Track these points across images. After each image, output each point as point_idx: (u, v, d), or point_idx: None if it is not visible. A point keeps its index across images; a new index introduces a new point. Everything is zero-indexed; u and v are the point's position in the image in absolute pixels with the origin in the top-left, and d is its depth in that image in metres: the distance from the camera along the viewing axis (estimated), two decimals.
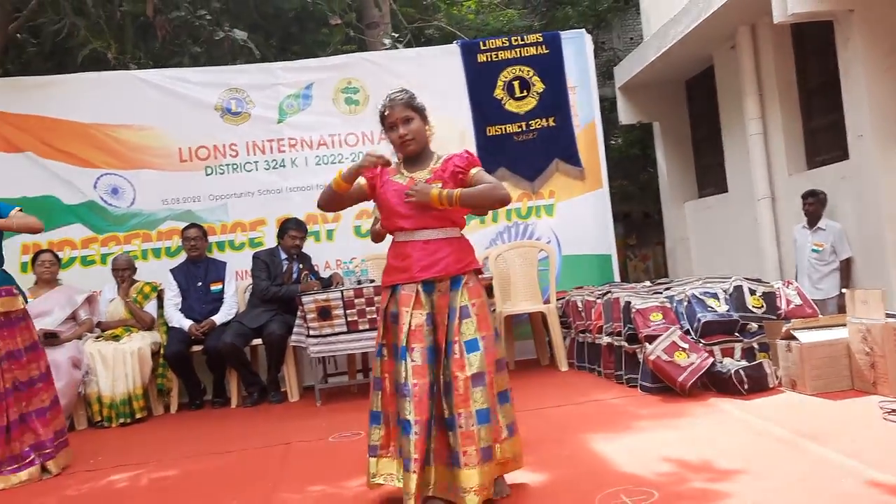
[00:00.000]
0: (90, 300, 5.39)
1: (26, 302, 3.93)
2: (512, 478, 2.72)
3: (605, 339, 4.64)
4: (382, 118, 2.69)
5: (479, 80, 5.94)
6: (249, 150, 5.84)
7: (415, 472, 2.40)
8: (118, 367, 5.01)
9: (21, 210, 3.85)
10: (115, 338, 5.19)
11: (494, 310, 4.92)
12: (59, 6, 6.08)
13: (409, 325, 2.53)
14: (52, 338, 4.97)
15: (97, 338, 5.24)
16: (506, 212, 5.88)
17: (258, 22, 7.31)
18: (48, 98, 5.65)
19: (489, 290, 4.79)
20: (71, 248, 5.67)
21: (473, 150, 5.85)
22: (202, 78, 5.86)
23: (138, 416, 4.97)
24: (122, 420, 4.91)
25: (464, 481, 2.42)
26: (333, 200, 2.75)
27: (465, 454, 2.44)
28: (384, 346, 2.63)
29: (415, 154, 2.68)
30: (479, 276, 2.71)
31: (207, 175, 5.80)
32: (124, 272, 5.44)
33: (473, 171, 2.63)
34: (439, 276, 2.56)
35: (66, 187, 5.67)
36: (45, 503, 3.20)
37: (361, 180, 2.71)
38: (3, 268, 3.80)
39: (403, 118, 2.63)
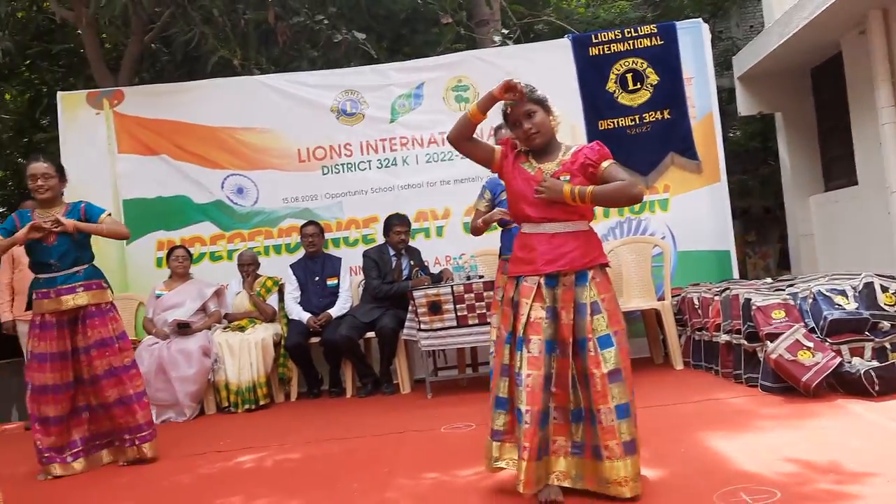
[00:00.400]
0: (218, 293, 5.73)
1: (112, 293, 4.13)
2: None
3: (724, 338, 4.48)
4: (505, 116, 2.69)
5: (591, 73, 5.86)
6: (363, 150, 6.02)
7: (524, 459, 2.44)
8: (244, 356, 5.30)
9: (110, 215, 4.05)
10: (241, 329, 5.49)
11: None
12: (189, 17, 6.48)
13: (528, 317, 2.55)
14: (184, 328, 5.33)
15: (224, 328, 5.56)
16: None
17: (370, 24, 7.52)
18: (180, 104, 6.04)
19: None
20: (201, 245, 6.04)
21: (585, 144, 5.82)
22: (319, 81, 6.10)
23: (262, 402, 5.24)
24: (247, 406, 5.19)
25: (608, 473, 2.46)
26: (463, 131, 2.73)
27: (606, 448, 2.47)
28: (512, 334, 2.63)
29: (542, 146, 2.67)
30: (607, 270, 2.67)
31: (324, 174, 6.02)
32: (249, 267, 5.75)
33: (605, 164, 2.58)
34: (564, 271, 2.56)
35: (197, 187, 6.04)
36: (181, 481, 3.43)
37: (497, 147, 2.75)
38: (94, 263, 4.01)
39: (527, 112, 2.62)
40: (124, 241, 5.94)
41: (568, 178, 2.57)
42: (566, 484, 2.57)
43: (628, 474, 2.46)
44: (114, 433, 3.89)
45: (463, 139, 2.76)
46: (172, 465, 3.73)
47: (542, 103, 2.66)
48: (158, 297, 5.57)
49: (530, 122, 2.62)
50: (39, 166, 3.80)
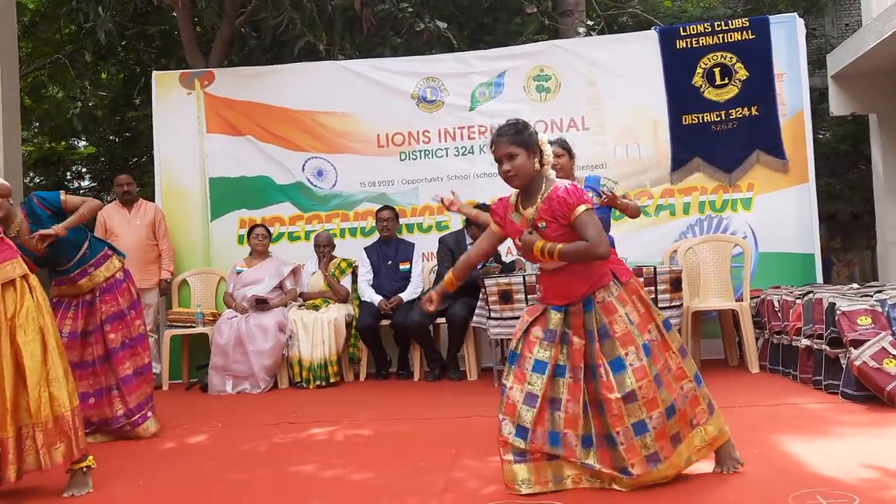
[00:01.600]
0: (295, 272, 5.89)
1: (123, 257, 4.05)
2: (698, 468, 2.66)
3: (804, 342, 4.34)
4: (492, 151, 2.72)
5: (677, 67, 5.75)
6: (441, 137, 6.07)
7: (505, 460, 2.58)
8: (317, 334, 5.43)
9: (66, 194, 3.78)
10: (315, 307, 5.64)
11: (681, 304, 4.76)
12: (279, 2, 6.66)
13: (526, 334, 2.65)
14: (262, 304, 5.51)
15: (300, 306, 5.72)
16: (698, 204, 5.67)
17: (453, 13, 7.55)
18: (266, 86, 6.22)
19: (676, 284, 4.64)
20: (280, 224, 6.22)
21: (666, 138, 5.73)
22: (401, 67, 6.17)
23: (332, 380, 5.37)
24: (318, 382, 5.33)
25: (637, 482, 2.53)
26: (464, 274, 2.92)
27: (632, 466, 2.52)
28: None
29: (522, 188, 2.69)
30: (625, 282, 2.67)
31: (401, 160, 6.10)
32: (325, 248, 5.88)
33: (577, 212, 2.54)
34: (567, 304, 2.63)
35: (279, 169, 6.21)
36: (256, 447, 3.56)
37: (494, 227, 2.83)
38: (92, 235, 3.96)
39: (507, 154, 2.61)
40: (209, 219, 6.19)
41: (544, 224, 2.60)
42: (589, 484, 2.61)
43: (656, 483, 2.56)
44: (131, 410, 3.84)
45: (471, 269, 2.97)
46: (249, 433, 3.86)
47: (527, 145, 2.62)
48: (239, 273, 5.77)
49: (510, 164, 2.62)
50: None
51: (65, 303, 3.84)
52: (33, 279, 2.95)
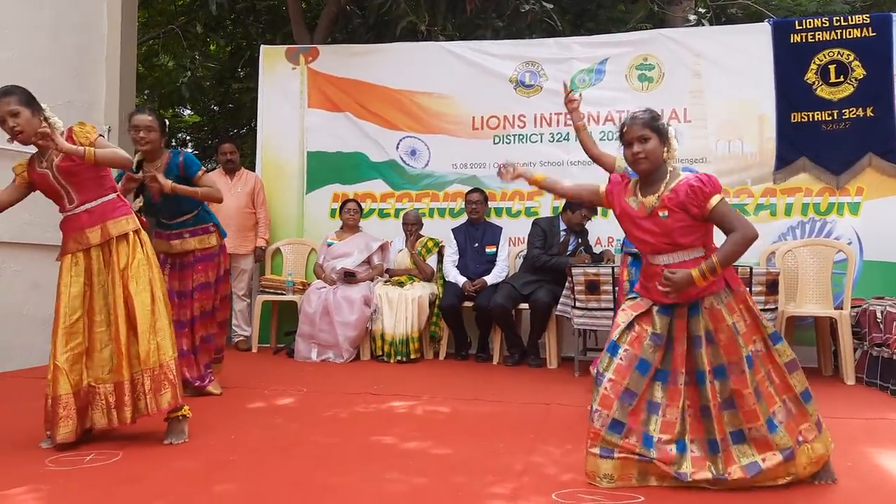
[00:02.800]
0: (383, 248, 6.00)
1: (224, 236, 4.22)
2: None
3: None
4: (621, 133, 2.66)
5: (789, 62, 5.50)
6: (537, 122, 6.03)
7: (589, 452, 2.54)
8: (400, 310, 5.53)
9: (206, 172, 3.95)
10: (400, 284, 5.73)
11: (775, 308, 4.59)
12: None
13: (630, 327, 2.60)
14: (350, 276, 5.64)
15: (385, 282, 5.83)
16: (801, 205, 5.43)
17: None
18: (367, 65, 6.33)
19: (773, 286, 4.48)
20: (371, 201, 6.33)
21: (772, 136, 5.50)
22: (501, 50, 6.15)
23: (412, 356, 5.46)
24: (398, 357, 5.43)
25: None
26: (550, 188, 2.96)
27: (729, 473, 2.48)
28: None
29: (647, 173, 2.62)
30: (736, 290, 2.58)
31: (495, 144, 6.10)
32: (412, 226, 5.96)
33: (712, 202, 2.47)
34: (677, 303, 2.56)
35: (374, 146, 6.32)
36: (339, 414, 3.67)
37: (601, 188, 2.76)
38: (203, 208, 4.10)
39: (641, 137, 2.57)
40: (305, 191, 6.37)
41: (665, 213, 2.53)
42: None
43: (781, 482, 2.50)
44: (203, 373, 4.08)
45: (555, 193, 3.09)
46: (331, 400, 3.98)
47: (660, 132, 2.59)
48: (329, 245, 5.92)
49: (641, 147, 2.57)
50: (143, 118, 3.84)
51: (161, 262, 3.98)
52: (144, 235, 3.13)
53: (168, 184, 3.69)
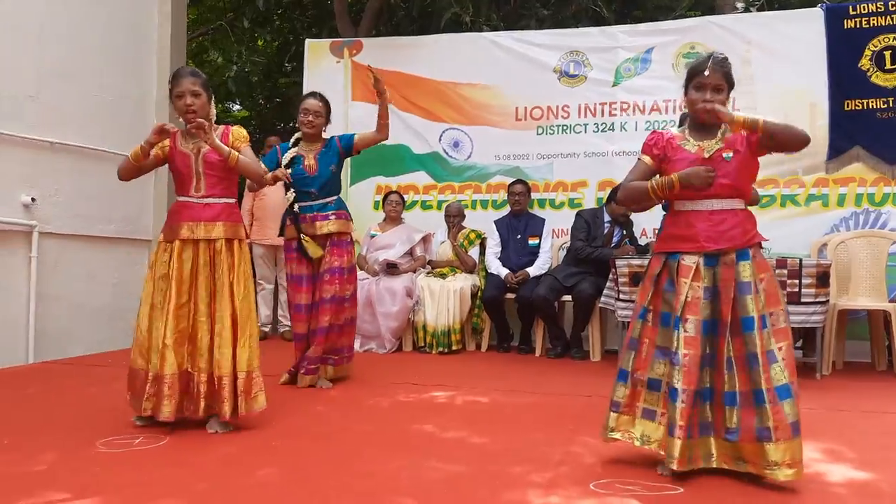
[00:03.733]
0: (425, 240, 6.03)
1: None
2: (826, 470, 2.52)
3: None
4: (694, 74, 2.58)
5: (843, 48, 5.32)
6: (581, 113, 5.97)
7: (679, 437, 2.41)
8: (442, 301, 5.55)
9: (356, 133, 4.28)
10: (442, 276, 5.75)
11: (826, 301, 4.47)
12: None
13: (686, 297, 2.49)
14: (393, 268, 5.68)
15: (427, 274, 5.85)
16: (855, 196, 5.27)
17: None
18: (410, 57, 6.35)
19: (823, 278, 4.35)
20: (414, 193, 6.36)
21: (824, 124, 5.35)
22: (546, 40, 6.11)
23: (454, 347, 5.48)
24: (440, 349, 5.45)
25: (771, 455, 2.38)
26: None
27: (776, 429, 2.39)
28: (649, 311, 2.62)
29: (707, 124, 2.57)
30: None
31: (538, 135, 6.06)
32: (455, 218, 5.97)
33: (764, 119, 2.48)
34: (725, 249, 2.49)
35: (417, 138, 6.34)
36: (380, 403, 3.71)
37: (647, 161, 2.65)
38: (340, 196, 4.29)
39: (716, 86, 2.52)
40: (349, 183, 6.42)
41: (730, 154, 2.51)
42: (726, 466, 2.51)
43: (795, 456, 2.38)
44: (325, 356, 4.17)
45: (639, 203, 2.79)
46: (373, 390, 4.02)
47: (731, 86, 2.57)
48: (373, 237, 5.97)
49: (713, 96, 2.51)
50: (314, 103, 4.16)
51: (295, 247, 4.12)
52: (246, 246, 3.23)
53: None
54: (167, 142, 3.15)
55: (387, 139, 4.30)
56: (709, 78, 2.51)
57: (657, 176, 2.64)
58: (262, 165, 3.15)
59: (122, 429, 3.04)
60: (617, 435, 2.63)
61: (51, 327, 5.10)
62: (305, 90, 6.56)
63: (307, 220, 4.13)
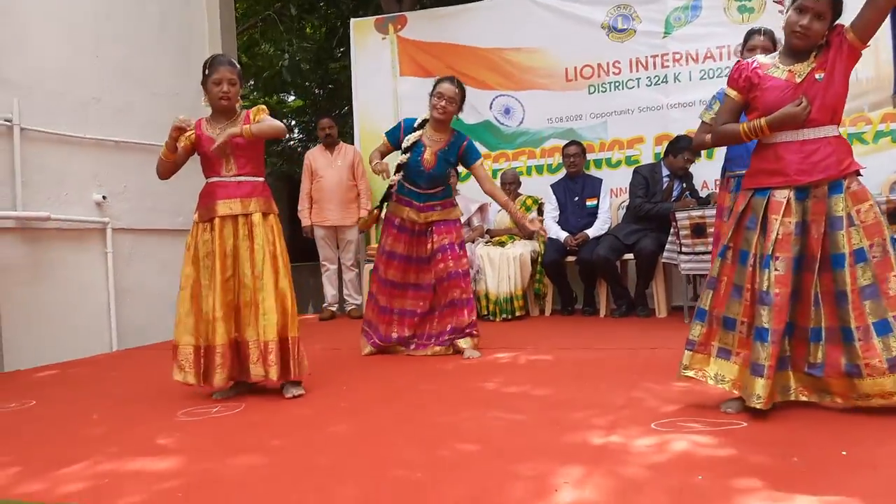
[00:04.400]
0: (482, 210, 6.04)
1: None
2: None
3: None
4: None
5: None
6: (632, 67, 5.86)
7: (768, 377, 2.34)
8: (503, 269, 5.56)
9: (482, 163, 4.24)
10: (501, 244, 5.76)
11: None
12: None
13: (777, 234, 2.39)
14: None
15: (486, 243, 5.87)
16: None
17: None
18: (454, 27, 6.35)
19: (894, 216, 4.18)
20: None
21: (889, 59, 5.01)
22: None
23: (518, 314, 5.50)
24: (504, 316, 5.48)
25: (869, 389, 2.32)
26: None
27: (867, 367, 2.31)
28: (729, 248, 2.53)
29: (801, 50, 2.42)
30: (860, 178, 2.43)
31: (590, 94, 5.99)
32: (510, 185, 5.96)
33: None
34: (817, 181, 2.37)
35: (467, 108, 6.16)
36: (444, 366, 3.77)
37: (733, 95, 2.55)
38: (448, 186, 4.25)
39: (818, 12, 2.34)
40: None
41: (822, 75, 2.37)
42: (805, 398, 2.47)
43: (890, 389, 2.29)
44: (443, 332, 4.13)
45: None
46: (438, 356, 4.08)
47: (836, 14, 2.39)
48: None
49: (815, 23, 2.35)
50: (449, 88, 4.11)
51: (406, 229, 4.14)
52: (278, 221, 3.32)
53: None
54: (192, 132, 3.25)
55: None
56: (813, 1, 2.35)
57: (746, 113, 2.54)
58: (278, 124, 3.18)
59: (201, 401, 3.19)
60: (691, 373, 2.59)
61: (131, 317, 5.35)
62: (354, 70, 6.67)
63: (413, 204, 4.09)
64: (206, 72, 3.23)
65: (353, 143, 6.59)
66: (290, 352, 3.14)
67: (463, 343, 4.02)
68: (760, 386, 2.34)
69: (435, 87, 4.12)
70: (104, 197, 5.25)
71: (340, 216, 6.14)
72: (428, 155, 4.05)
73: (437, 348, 4.10)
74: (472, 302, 4.12)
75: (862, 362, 2.31)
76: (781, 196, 2.41)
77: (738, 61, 2.62)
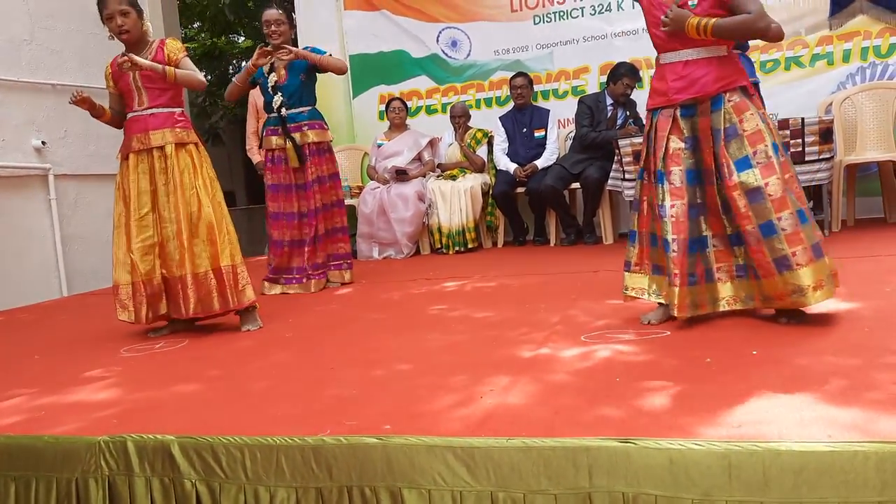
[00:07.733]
0: (432, 144, 6.05)
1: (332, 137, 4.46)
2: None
3: None
4: None
5: None
6: None
7: (675, 286, 2.46)
8: (454, 202, 5.62)
9: (331, 55, 4.24)
10: (452, 178, 5.80)
11: (831, 157, 4.40)
12: None
13: (666, 150, 2.51)
14: (402, 174, 5.74)
15: (437, 177, 5.91)
16: (860, 50, 5.12)
17: None
18: None
19: (826, 135, 4.29)
20: (417, 98, 6.34)
21: None
22: None
23: (470, 246, 5.58)
24: (456, 248, 5.56)
25: (795, 280, 2.35)
26: None
27: (759, 266, 2.41)
28: (644, 169, 2.64)
29: None
30: (752, 95, 2.50)
31: (535, 24, 5.96)
32: (460, 119, 5.96)
33: None
34: (697, 98, 2.46)
35: (414, 42, 6.28)
36: (393, 296, 3.84)
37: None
38: (315, 107, 4.33)
39: None
40: (351, 96, 6.42)
41: (695, 2, 2.43)
42: (737, 307, 2.56)
43: (820, 277, 2.35)
44: (325, 263, 4.31)
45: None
46: (388, 286, 4.16)
47: None
48: (379, 146, 6.02)
49: None
50: (272, 13, 4.14)
51: (279, 158, 4.21)
52: (204, 151, 3.29)
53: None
54: (110, 68, 3.20)
55: (343, 72, 4.38)
56: None
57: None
58: (201, 77, 3.17)
59: (146, 340, 3.22)
60: (632, 293, 2.69)
61: (80, 264, 5.32)
62: (297, 6, 6.52)
63: (278, 131, 4.18)
64: (99, 10, 3.13)
65: None
66: (225, 281, 3.13)
67: (347, 275, 4.33)
68: (674, 294, 2.46)
69: (261, 18, 4.22)
70: (43, 142, 5.14)
71: None
72: (279, 71, 4.13)
73: (315, 283, 4.21)
74: (346, 232, 4.35)
75: (753, 263, 2.43)
76: (667, 114, 2.52)
77: None
